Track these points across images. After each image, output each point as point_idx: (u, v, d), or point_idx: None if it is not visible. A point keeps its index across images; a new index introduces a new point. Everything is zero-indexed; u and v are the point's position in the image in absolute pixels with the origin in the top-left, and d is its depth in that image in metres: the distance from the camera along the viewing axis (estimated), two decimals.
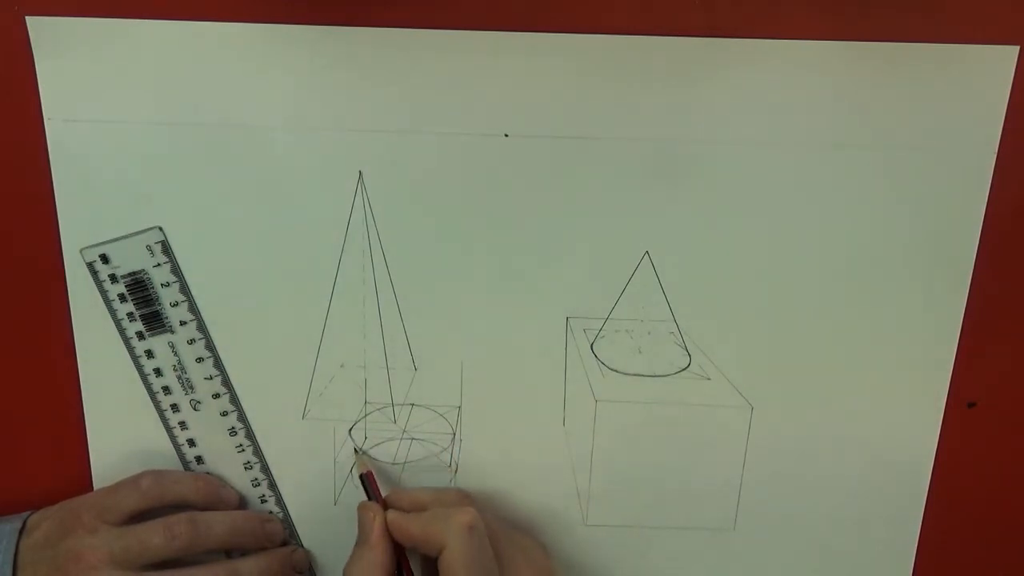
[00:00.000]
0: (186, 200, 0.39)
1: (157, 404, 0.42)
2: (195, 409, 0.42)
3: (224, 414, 0.42)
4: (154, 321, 0.41)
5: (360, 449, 0.43)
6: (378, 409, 0.43)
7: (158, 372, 0.42)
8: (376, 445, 0.43)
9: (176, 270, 0.40)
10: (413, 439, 0.43)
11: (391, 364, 0.42)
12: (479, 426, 0.43)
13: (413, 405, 0.43)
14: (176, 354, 0.41)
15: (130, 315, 0.41)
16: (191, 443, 0.43)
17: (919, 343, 0.41)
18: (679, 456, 0.43)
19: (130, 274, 0.40)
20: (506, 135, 0.38)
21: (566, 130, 0.38)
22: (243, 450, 0.43)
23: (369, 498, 0.41)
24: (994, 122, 0.38)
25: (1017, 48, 0.37)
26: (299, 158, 0.39)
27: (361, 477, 0.41)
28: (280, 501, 0.44)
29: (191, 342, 0.41)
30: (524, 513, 0.44)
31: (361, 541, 0.38)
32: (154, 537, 0.38)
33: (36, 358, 0.42)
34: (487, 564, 0.36)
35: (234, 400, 0.42)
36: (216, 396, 0.42)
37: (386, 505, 0.40)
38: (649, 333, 0.41)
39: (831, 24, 0.37)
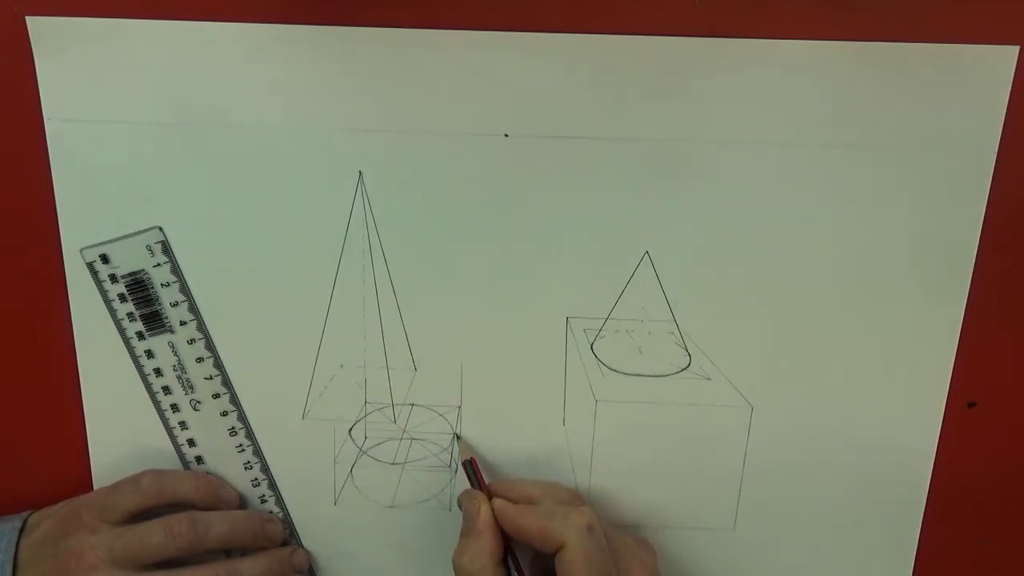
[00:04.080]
0: (186, 200, 0.39)
1: (157, 404, 0.42)
2: (195, 409, 0.42)
3: (224, 414, 0.42)
4: (154, 321, 0.41)
5: (460, 435, 0.42)
6: (378, 409, 0.43)
7: (158, 372, 0.42)
8: (376, 445, 0.43)
9: (176, 270, 0.40)
10: (413, 439, 0.43)
11: (391, 364, 0.42)
12: (479, 426, 0.43)
13: (413, 405, 0.43)
14: (176, 354, 0.41)
15: (130, 315, 0.41)
16: (191, 443, 0.43)
17: (919, 343, 0.41)
18: (679, 456, 0.43)
19: (130, 274, 0.40)
20: (506, 135, 0.38)
21: (566, 130, 0.38)
22: (243, 450, 0.43)
23: (473, 486, 0.40)
24: (994, 122, 0.38)
25: (1017, 48, 0.37)
26: (299, 158, 0.39)
27: (465, 464, 0.41)
28: (280, 501, 0.44)
29: (191, 342, 0.41)
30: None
31: (467, 530, 0.38)
32: (154, 536, 0.38)
33: (36, 358, 0.42)
34: (606, 564, 0.35)
35: (234, 400, 0.42)
36: (216, 396, 0.42)
37: (490, 494, 0.39)
38: (649, 333, 0.41)
39: (831, 24, 0.37)
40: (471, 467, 0.41)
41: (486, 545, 0.37)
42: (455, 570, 0.37)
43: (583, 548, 0.35)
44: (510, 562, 0.37)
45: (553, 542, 0.35)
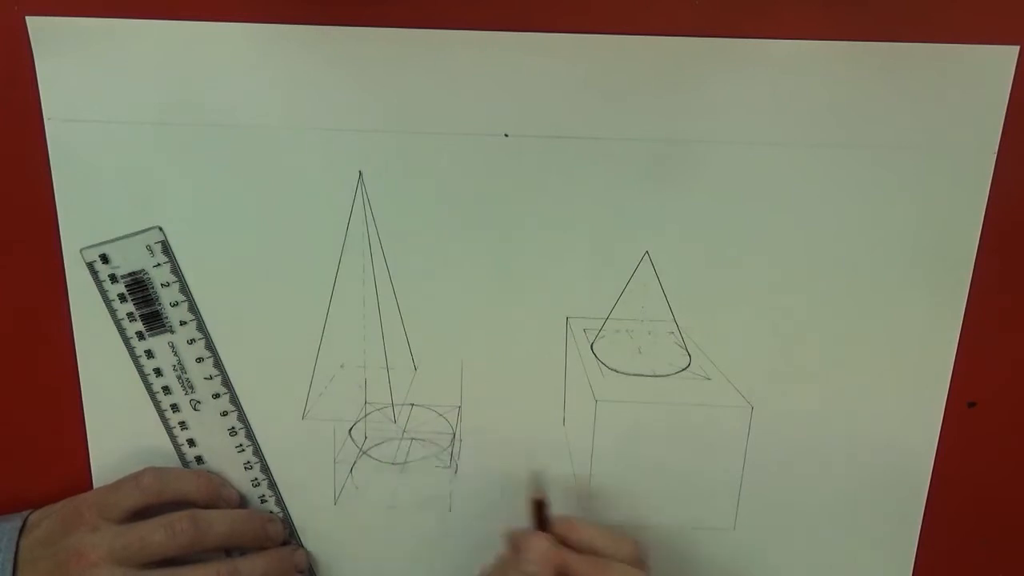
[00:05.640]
0: (186, 200, 0.39)
1: (157, 404, 0.42)
2: (195, 409, 0.42)
3: (224, 414, 0.42)
4: (154, 321, 0.41)
5: (538, 472, 0.41)
6: (378, 409, 0.43)
7: (158, 372, 0.42)
8: (376, 445, 0.43)
9: (176, 270, 0.40)
10: (413, 439, 0.43)
11: (391, 364, 0.42)
12: (479, 426, 0.43)
13: (413, 405, 0.43)
14: (176, 354, 0.41)
15: (130, 315, 0.41)
16: (191, 443, 0.43)
17: (919, 343, 0.41)
18: (679, 456, 0.43)
19: (130, 274, 0.40)
20: (506, 135, 0.38)
21: (566, 130, 0.38)
22: (243, 450, 0.43)
23: (533, 525, 0.39)
24: (994, 122, 0.38)
25: (1017, 48, 0.37)
26: (299, 158, 0.39)
27: (535, 503, 0.39)
28: (280, 501, 0.44)
29: (191, 342, 0.41)
30: (524, 513, 0.44)
31: (515, 562, 0.37)
32: (155, 535, 0.38)
33: (36, 358, 0.42)
34: None
35: (234, 400, 0.42)
36: (216, 396, 0.42)
37: (547, 528, 0.38)
38: (649, 333, 0.41)
39: (830, 24, 0.37)
40: (542, 507, 0.39)
41: None
42: None
43: None
44: None
45: None
